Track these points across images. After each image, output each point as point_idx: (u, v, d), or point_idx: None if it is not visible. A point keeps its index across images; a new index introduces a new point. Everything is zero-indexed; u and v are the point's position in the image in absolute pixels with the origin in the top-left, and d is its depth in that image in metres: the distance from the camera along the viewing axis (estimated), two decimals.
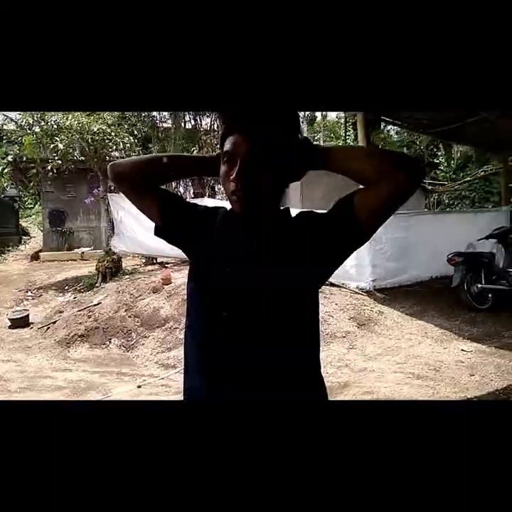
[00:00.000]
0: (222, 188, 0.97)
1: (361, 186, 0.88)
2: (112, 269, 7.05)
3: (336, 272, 0.94)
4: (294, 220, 0.98)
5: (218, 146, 0.96)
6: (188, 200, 1.22)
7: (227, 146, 0.89)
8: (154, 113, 10.46)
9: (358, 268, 5.91)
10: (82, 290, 6.97)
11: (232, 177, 0.87)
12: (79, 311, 5.76)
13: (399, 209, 0.89)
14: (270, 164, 0.87)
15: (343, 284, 5.96)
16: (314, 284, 0.94)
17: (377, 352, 4.32)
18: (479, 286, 5.38)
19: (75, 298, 6.61)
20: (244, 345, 0.88)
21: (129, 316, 5.44)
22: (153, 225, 1.06)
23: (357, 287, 5.93)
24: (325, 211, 0.94)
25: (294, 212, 1.01)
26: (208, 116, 10.28)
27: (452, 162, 12.92)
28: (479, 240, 5.91)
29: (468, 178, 10.98)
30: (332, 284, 5.81)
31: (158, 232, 1.06)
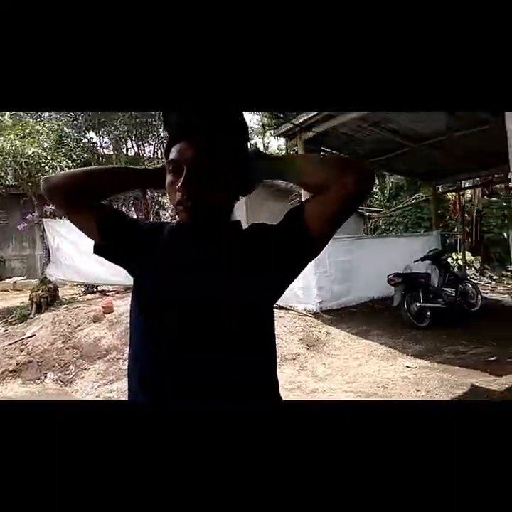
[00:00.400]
0: (169, 201, 0.93)
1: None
2: (48, 298, 6.58)
3: (284, 294, 0.91)
4: (246, 232, 0.95)
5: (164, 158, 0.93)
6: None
7: (172, 154, 0.86)
8: (94, 139, 10.22)
9: (304, 291, 6.01)
10: (13, 322, 6.40)
11: (178, 185, 0.83)
12: (10, 344, 5.27)
13: (339, 233, 0.90)
14: (218, 172, 0.84)
15: (290, 306, 6.01)
16: (268, 296, 0.90)
17: (327, 372, 4.34)
18: (418, 304, 5.65)
19: (5, 331, 6.05)
20: (194, 356, 0.82)
21: (67, 348, 5.06)
22: (92, 251, 0.99)
23: (304, 309, 6.00)
24: (276, 223, 0.92)
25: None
26: (150, 143, 10.20)
27: (386, 191, 13.80)
28: (415, 261, 6.28)
29: (401, 206, 11.72)
30: (280, 307, 5.83)
31: (97, 250, 0.99)
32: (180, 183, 0.83)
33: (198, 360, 0.82)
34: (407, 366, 4.33)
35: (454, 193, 10.13)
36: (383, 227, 12.47)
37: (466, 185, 10.51)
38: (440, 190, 8.79)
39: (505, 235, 10.63)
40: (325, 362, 4.61)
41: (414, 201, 11.39)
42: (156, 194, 8.40)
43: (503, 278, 9.73)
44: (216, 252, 0.88)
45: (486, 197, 11.30)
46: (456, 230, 11.02)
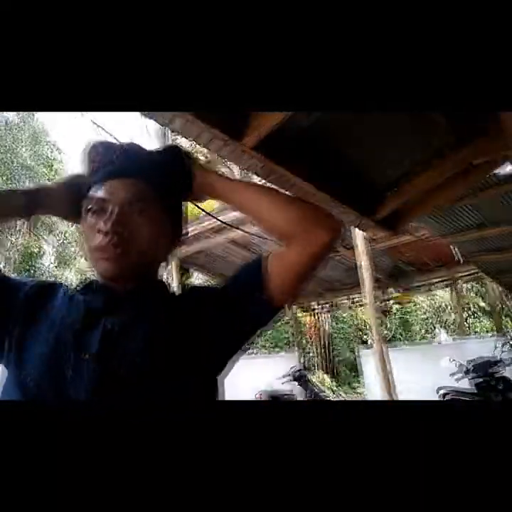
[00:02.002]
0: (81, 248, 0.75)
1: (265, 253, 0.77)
2: None
3: None
4: (180, 296, 0.80)
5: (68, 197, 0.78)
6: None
7: (97, 192, 0.72)
8: None
9: None
10: None
11: (101, 227, 0.68)
12: None
13: None
14: (153, 219, 0.73)
15: None
16: (205, 377, 0.72)
17: None
18: None
19: None
20: None
21: None
22: None
23: None
24: (221, 285, 0.79)
25: None
26: None
27: None
28: (279, 379, 6.35)
29: None
30: None
31: None
32: (106, 225, 0.68)
33: None
34: None
35: (309, 317, 11.09)
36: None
37: (315, 308, 11.70)
38: (295, 312, 9.53)
39: (353, 357, 11.84)
40: None
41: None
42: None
43: (353, 394, 10.47)
44: (140, 326, 0.69)
45: (334, 323, 12.67)
46: (311, 352, 11.80)
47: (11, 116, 12.36)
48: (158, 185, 0.75)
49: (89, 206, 0.72)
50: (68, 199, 0.77)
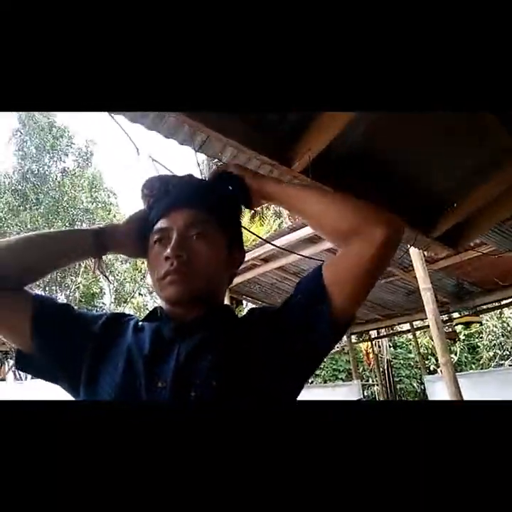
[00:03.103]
0: (151, 283, 0.76)
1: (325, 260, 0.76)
2: None
3: None
4: (244, 319, 0.79)
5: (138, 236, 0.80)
6: None
7: (159, 224, 0.75)
8: None
9: None
10: None
11: (167, 253, 0.70)
12: None
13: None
14: (214, 241, 0.74)
15: None
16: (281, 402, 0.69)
17: None
18: None
19: None
20: None
21: None
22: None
23: None
24: (281, 304, 0.76)
25: None
26: None
27: None
28: None
29: None
30: None
31: (22, 361, 0.72)
32: (169, 249, 0.70)
33: None
34: None
35: (366, 343, 10.66)
36: None
37: (373, 336, 11.25)
38: (352, 340, 9.18)
39: (415, 385, 11.15)
40: None
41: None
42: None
43: None
44: (211, 352, 0.67)
45: (392, 348, 12.07)
46: (370, 380, 11.27)
47: (69, 163, 13.38)
48: (214, 210, 0.76)
49: (155, 238, 0.74)
50: (134, 236, 0.79)
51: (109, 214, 13.42)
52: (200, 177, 0.85)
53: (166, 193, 0.78)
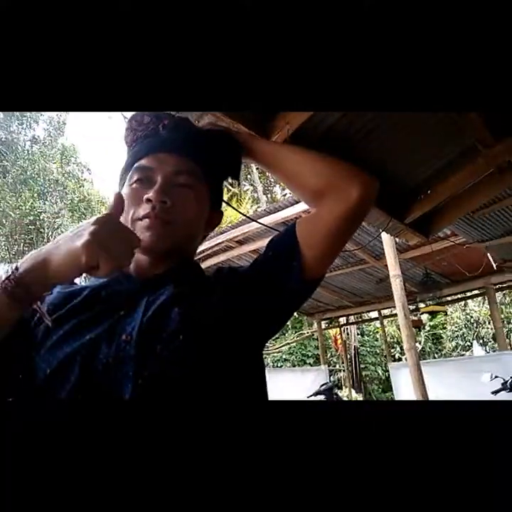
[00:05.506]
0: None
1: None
2: None
3: None
4: (213, 276, 0.76)
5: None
6: None
7: (144, 162, 0.71)
8: None
9: None
10: None
11: (150, 195, 0.66)
12: None
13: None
14: (199, 194, 0.72)
15: None
16: (247, 354, 0.69)
17: None
18: None
19: None
20: None
21: None
22: None
23: None
24: (251, 263, 0.75)
25: None
26: None
27: None
28: (309, 396, 6.19)
29: (289, 341, 12.13)
30: None
31: None
32: (152, 192, 0.66)
33: None
34: None
35: (335, 330, 10.88)
36: (271, 364, 12.55)
37: (342, 323, 11.49)
38: (322, 326, 9.35)
39: (380, 372, 11.51)
40: None
41: (299, 338, 11.89)
42: None
43: None
44: (179, 305, 0.64)
45: (359, 336, 12.38)
46: (337, 366, 11.55)
47: (39, 132, 12.83)
48: (204, 163, 0.73)
49: (136, 177, 0.70)
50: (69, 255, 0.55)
51: (80, 187, 12.88)
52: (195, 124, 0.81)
53: (155, 131, 0.74)
